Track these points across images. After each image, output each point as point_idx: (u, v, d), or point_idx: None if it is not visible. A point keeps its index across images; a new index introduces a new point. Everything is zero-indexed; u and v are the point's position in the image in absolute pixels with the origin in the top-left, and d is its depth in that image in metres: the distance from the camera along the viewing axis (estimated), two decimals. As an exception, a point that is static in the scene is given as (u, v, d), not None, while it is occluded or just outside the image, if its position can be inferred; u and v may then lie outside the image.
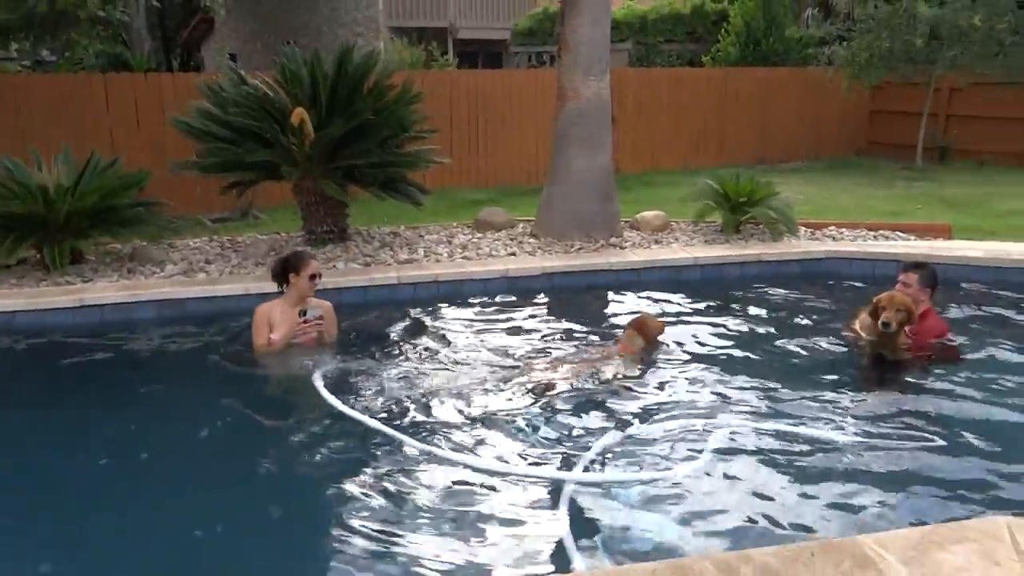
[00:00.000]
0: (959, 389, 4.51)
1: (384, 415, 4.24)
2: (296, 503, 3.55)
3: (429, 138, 8.27)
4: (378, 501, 3.43)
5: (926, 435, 3.98)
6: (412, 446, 3.87)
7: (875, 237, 7.90)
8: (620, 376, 4.75)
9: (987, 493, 3.47)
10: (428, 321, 5.99)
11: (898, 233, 8.03)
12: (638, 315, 5.29)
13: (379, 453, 3.87)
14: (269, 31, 24.90)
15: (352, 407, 4.28)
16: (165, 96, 10.43)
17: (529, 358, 5.12)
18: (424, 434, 4.03)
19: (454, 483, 3.58)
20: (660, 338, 5.25)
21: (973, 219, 8.94)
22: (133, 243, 7.60)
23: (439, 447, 3.87)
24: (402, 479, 3.61)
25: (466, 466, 3.70)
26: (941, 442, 3.92)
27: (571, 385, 4.64)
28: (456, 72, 15.79)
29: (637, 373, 4.84)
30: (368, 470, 3.72)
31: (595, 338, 5.58)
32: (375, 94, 7.48)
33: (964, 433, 4.01)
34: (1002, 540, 2.70)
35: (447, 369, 4.97)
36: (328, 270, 6.72)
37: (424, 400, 4.47)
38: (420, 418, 4.24)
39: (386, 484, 3.56)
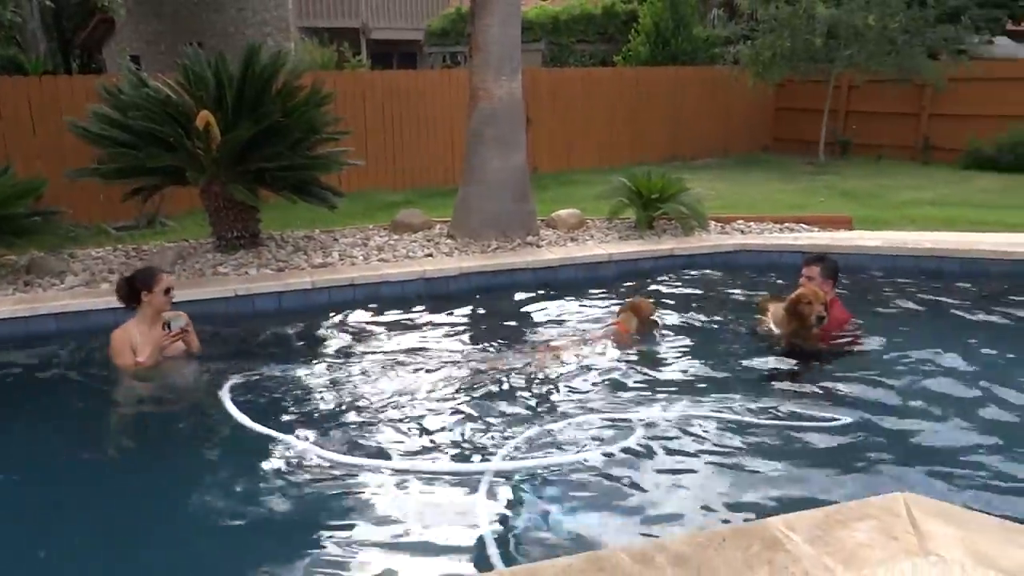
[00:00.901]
0: (863, 374, 4.71)
1: (298, 426, 4.14)
2: (205, 521, 3.41)
3: (342, 140, 8.15)
4: (287, 512, 3.35)
5: (834, 418, 4.13)
6: (324, 456, 3.79)
7: (781, 230, 8.19)
8: (607, 353, 5.11)
9: (888, 471, 3.63)
10: (344, 326, 5.90)
11: (802, 225, 8.34)
12: (633, 298, 5.60)
13: (291, 465, 3.76)
14: (174, 32, 24.11)
15: (263, 421, 4.12)
16: (62, 100, 9.95)
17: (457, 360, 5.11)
18: (338, 441, 3.96)
19: (369, 487, 3.53)
20: (655, 319, 5.55)
21: (871, 210, 9.35)
22: (30, 254, 7.24)
23: (351, 453, 3.81)
24: (313, 488, 3.54)
25: (381, 470, 3.66)
26: (847, 424, 4.08)
27: (567, 360, 4.98)
28: (369, 73, 15.62)
29: (626, 353, 5.06)
30: (278, 483, 3.61)
31: (533, 332, 5.66)
32: (284, 95, 7.32)
33: (868, 415, 4.19)
34: (900, 516, 2.82)
35: (364, 374, 4.90)
36: (240, 276, 6.56)
37: (340, 407, 4.40)
38: (335, 426, 4.17)
39: (296, 494, 3.48)
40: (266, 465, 3.75)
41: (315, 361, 5.12)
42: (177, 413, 4.58)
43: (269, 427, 4.03)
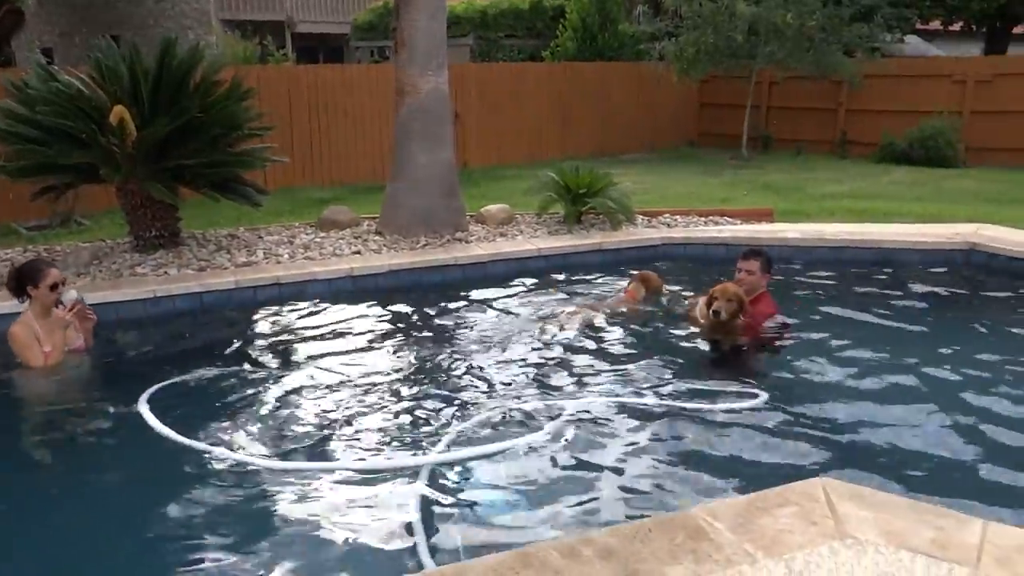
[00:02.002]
0: (783, 363, 4.85)
1: (222, 432, 4.02)
2: (132, 535, 3.28)
3: (265, 136, 7.97)
4: (211, 522, 3.25)
5: (758, 408, 4.24)
6: (248, 461, 3.69)
7: (705, 223, 8.36)
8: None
9: (809, 457, 3.73)
10: (270, 326, 5.77)
11: (726, 218, 8.53)
12: (643, 271, 6.11)
13: (214, 475, 3.63)
14: (88, 24, 23.19)
15: (186, 429, 3.96)
16: (-36, 94, 9.46)
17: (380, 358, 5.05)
18: (265, 445, 3.87)
19: (298, 490, 3.46)
20: (664, 289, 6.02)
21: (792, 203, 9.62)
22: (-69, 256, 6.88)
23: (280, 457, 3.73)
24: (238, 495, 3.44)
25: (310, 471, 3.60)
26: (771, 412, 4.19)
27: (584, 321, 5.51)
28: (294, 67, 15.32)
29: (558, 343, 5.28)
30: (200, 493, 3.47)
31: (462, 328, 5.67)
32: (203, 90, 7.12)
33: (792, 403, 4.30)
34: (819, 501, 2.90)
35: (291, 374, 4.80)
36: (159, 277, 6.35)
37: (267, 410, 4.30)
38: (262, 429, 4.07)
39: (220, 503, 3.38)
40: (188, 476, 3.62)
41: (240, 363, 4.99)
42: (91, 424, 4.33)
43: (192, 436, 3.88)
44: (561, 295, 6.37)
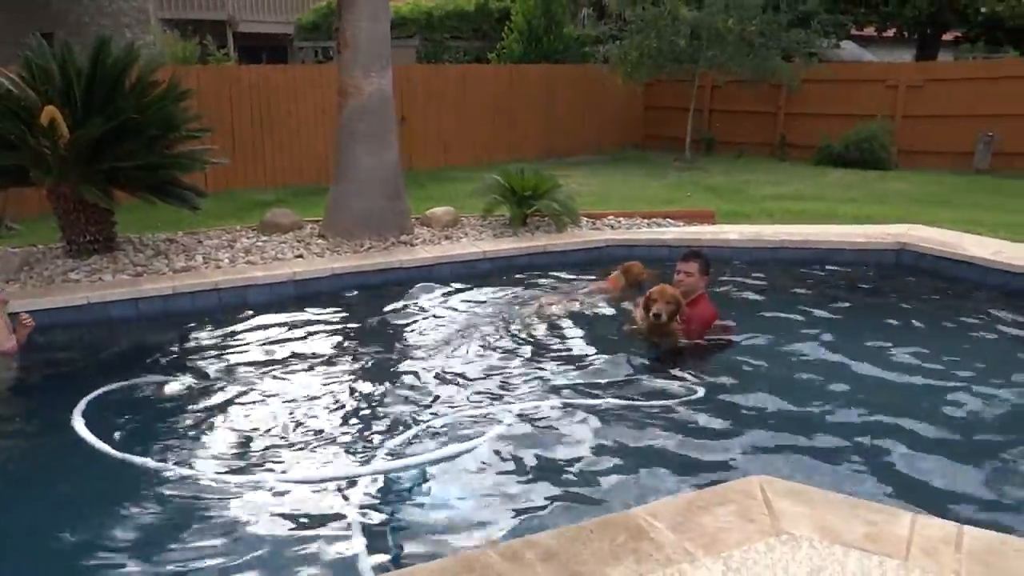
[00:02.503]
0: (727, 363, 4.92)
1: (160, 444, 3.92)
2: (63, 553, 3.17)
3: (204, 137, 7.81)
4: (149, 538, 3.17)
5: (697, 405, 4.31)
6: (187, 474, 3.62)
7: (649, 224, 8.46)
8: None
9: (747, 454, 3.80)
10: (208, 333, 5.66)
11: (669, 220, 8.64)
12: (628, 262, 6.31)
13: (150, 490, 3.51)
14: (20, 22, 22.41)
15: (123, 442, 3.87)
16: None
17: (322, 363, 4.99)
18: (201, 458, 3.80)
19: (238, 501, 3.39)
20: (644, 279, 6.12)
21: (734, 205, 9.80)
22: None
23: (219, 468, 3.66)
24: (174, 509, 3.36)
25: (251, 483, 3.53)
26: (710, 410, 4.27)
27: (564, 309, 5.79)
28: (236, 67, 15.05)
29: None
30: (136, 509, 3.37)
31: (407, 331, 5.66)
32: (139, 91, 6.95)
33: (731, 402, 4.39)
34: (756, 498, 2.96)
35: (231, 382, 4.71)
36: (93, 283, 6.17)
37: (206, 420, 4.21)
38: (201, 441, 3.99)
39: (160, 519, 3.30)
40: (123, 490, 3.51)
41: (178, 373, 4.87)
42: (18, 437, 4.20)
43: (127, 449, 3.78)
44: (509, 298, 6.38)
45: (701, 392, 4.42)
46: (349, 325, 5.90)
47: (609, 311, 5.94)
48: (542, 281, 6.85)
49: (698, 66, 14.12)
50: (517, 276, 7.00)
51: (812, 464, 3.72)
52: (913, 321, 5.97)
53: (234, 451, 3.86)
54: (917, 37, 19.82)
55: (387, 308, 6.20)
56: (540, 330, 5.59)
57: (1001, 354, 5.22)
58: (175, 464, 3.67)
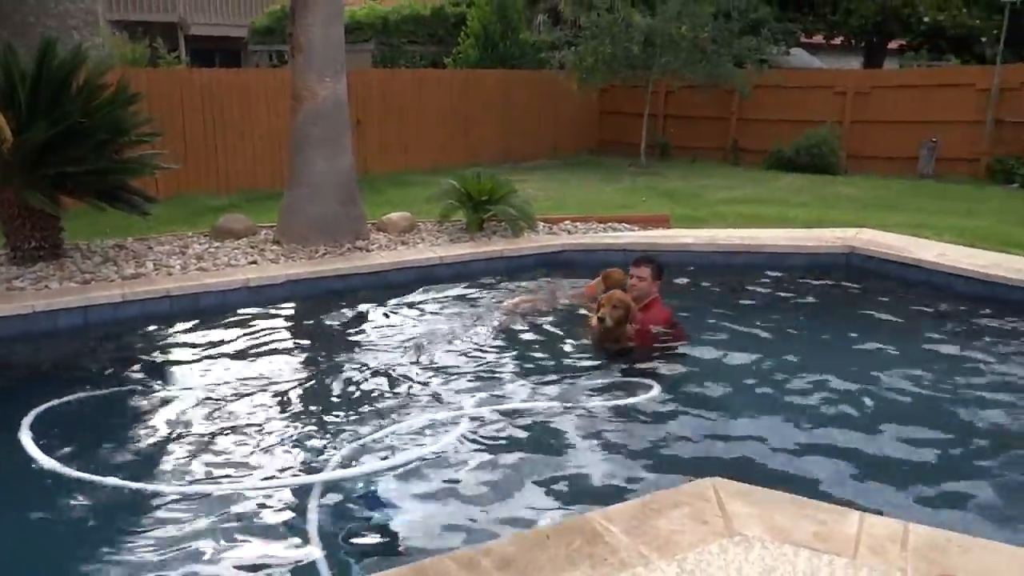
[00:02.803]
0: (681, 367, 4.98)
1: (111, 458, 3.83)
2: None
3: (154, 142, 7.68)
4: (108, 555, 3.09)
5: (651, 410, 4.35)
6: (140, 488, 3.52)
7: (605, 229, 8.53)
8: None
9: (701, 456, 3.86)
10: (160, 341, 5.55)
11: (625, 224, 8.72)
12: (610, 269, 6.12)
13: (106, 506, 3.42)
14: (-39, 22, 21.77)
15: (72, 457, 3.74)
16: None
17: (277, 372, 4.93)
18: (155, 470, 3.72)
19: (194, 514, 3.32)
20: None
21: (688, 209, 9.92)
22: None
23: (174, 481, 3.59)
24: (131, 525, 3.28)
25: (205, 494, 3.47)
26: (664, 413, 4.31)
27: (535, 309, 5.91)
28: (188, 71, 14.79)
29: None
30: (88, 526, 3.30)
31: (363, 338, 5.60)
32: (86, 94, 6.80)
33: (684, 405, 4.44)
34: (709, 500, 3.01)
35: (184, 392, 4.63)
36: (38, 291, 6.01)
37: (158, 431, 4.13)
38: (154, 453, 3.90)
39: (113, 534, 3.22)
40: (74, 508, 3.41)
41: (128, 383, 4.76)
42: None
43: (76, 463, 3.67)
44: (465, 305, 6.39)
45: (655, 393, 4.47)
46: (304, 332, 5.84)
47: (583, 316, 5.96)
48: (505, 285, 6.85)
49: (652, 72, 14.28)
50: (476, 281, 6.99)
51: (764, 465, 3.79)
52: (862, 323, 6.11)
53: (188, 462, 3.78)
54: (864, 45, 20.32)
55: (343, 314, 6.15)
56: (503, 332, 5.61)
57: (945, 353, 5.36)
58: (127, 478, 3.58)
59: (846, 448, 3.96)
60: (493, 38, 16.58)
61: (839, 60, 22.78)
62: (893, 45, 20.80)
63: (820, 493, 3.32)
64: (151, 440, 4.04)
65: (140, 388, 4.68)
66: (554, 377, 4.80)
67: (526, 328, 5.73)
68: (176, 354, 5.30)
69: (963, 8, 16.72)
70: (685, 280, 6.99)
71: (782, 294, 6.88)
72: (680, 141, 16.29)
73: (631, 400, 4.42)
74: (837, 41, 20.64)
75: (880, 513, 3.02)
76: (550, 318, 5.94)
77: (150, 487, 3.52)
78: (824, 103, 14.87)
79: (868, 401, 4.52)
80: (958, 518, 3.33)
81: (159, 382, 4.78)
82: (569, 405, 4.37)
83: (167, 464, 3.78)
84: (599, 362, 5.06)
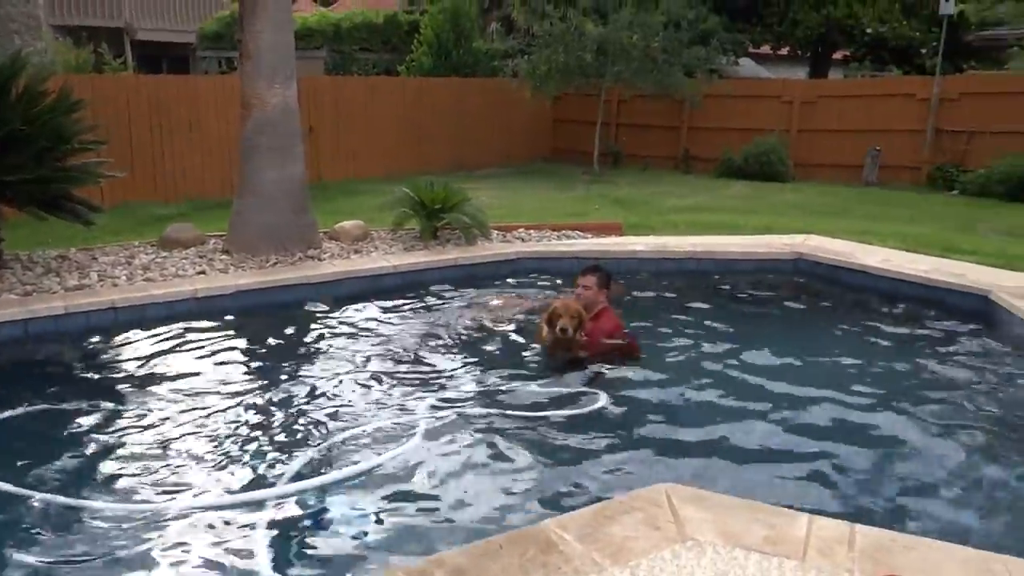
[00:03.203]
0: (632, 373, 5.01)
1: (53, 475, 3.71)
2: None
3: (99, 150, 7.50)
4: None
5: (603, 418, 4.38)
6: (87, 507, 3.43)
7: (559, 236, 8.56)
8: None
9: (654, 462, 3.88)
10: (104, 355, 5.41)
11: (578, 232, 8.77)
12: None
13: (50, 525, 3.32)
14: None
15: (9, 475, 3.62)
16: None
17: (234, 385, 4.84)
18: (100, 488, 3.62)
19: (137, 532, 3.24)
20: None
21: (640, 217, 10.01)
22: None
23: (117, 499, 3.49)
24: (74, 544, 3.18)
25: (151, 512, 3.39)
26: (616, 423, 4.34)
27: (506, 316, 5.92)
28: (134, 77, 14.52)
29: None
30: (34, 547, 3.17)
31: (317, 349, 5.47)
32: (26, 101, 6.62)
33: (636, 412, 4.48)
34: (662, 506, 3.03)
35: (129, 407, 4.51)
36: (-24, 304, 5.82)
37: (103, 448, 4.01)
38: (99, 470, 3.79)
39: (56, 554, 3.12)
40: (16, 528, 3.29)
41: (71, 397, 4.61)
42: None
43: (18, 480, 3.57)
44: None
45: (602, 403, 4.49)
46: (254, 343, 5.74)
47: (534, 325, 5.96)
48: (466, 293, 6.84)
49: (604, 80, 14.41)
50: (430, 289, 6.96)
51: (716, 470, 3.83)
52: (810, 328, 6.25)
53: (133, 478, 3.69)
54: (809, 56, 20.78)
55: (294, 325, 6.06)
56: (457, 341, 5.61)
57: (889, 356, 5.49)
58: (71, 495, 3.49)
59: (796, 451, 4.04)
60: (446, 46, 16.57)
61: (786, 70, 23.26)
62: (838, 56, 21.30)
63: (771, 497, 3.36)
64: (94, 455, 3.92)
65: (85, 402, 4.53)
66: (506, 386, 4.79)
67: (480, 336, 5.73)
68: (121, 367, 5.16)
69: (903, 20, 17.22)
70: (638, 288, 7.05)
71: (732, 301, 6.99)
72: (632, 149, 16.46)
73: (580, 410, 4.44)
74: (784, 52, 21.06)
75: (828, 515, 3.07)
76: (506, 327, 5.95)
77: (91, 504, 3.43)
78: (772, 112, 15.17)
79: (816, 404, 4.60)
80: (903, 518, 3.42)
81: (104, 396, 4.64)
82: (521, 414, 4.37)
83: (110, 479, 3.68)
84: (551, 371, 5.06)
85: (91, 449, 4.00)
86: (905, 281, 6.87)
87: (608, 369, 5.03)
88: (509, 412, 4.40)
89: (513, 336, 5.75)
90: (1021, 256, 7.60)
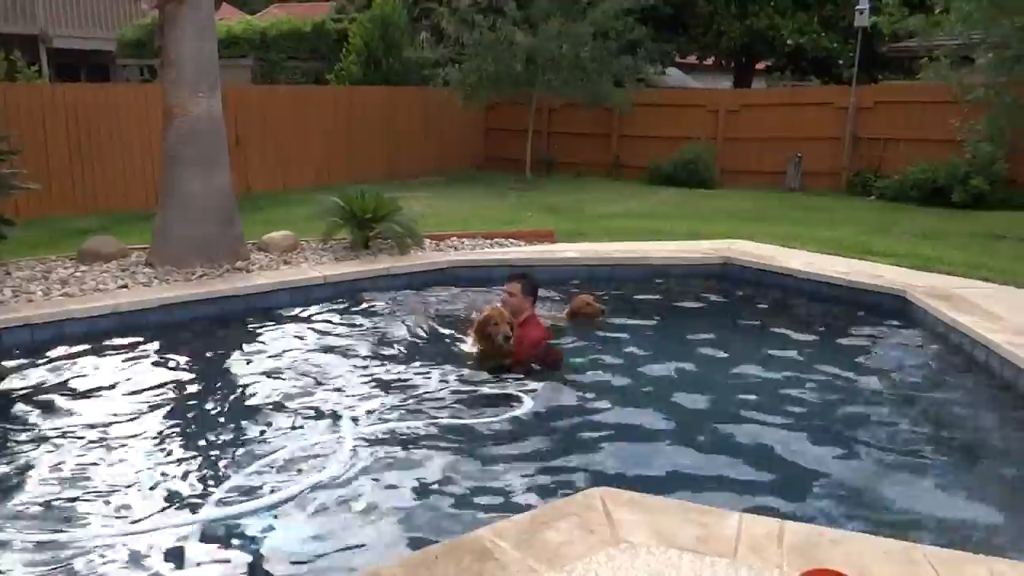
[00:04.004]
0: (560, 382, 5.02)
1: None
2: None
3: (11, 160, 7.19)
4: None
5: (535, 424, 4.39)
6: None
7: (491, 244, 8.58)
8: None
9: (587, 470, 3.89)
10: (19, 375, 5.15)
11: (511, 240, 8.81)
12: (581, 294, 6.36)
13: None
14: None
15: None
16: None
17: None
18: (16, 517, 3.45)
19: (63, 562, 3.09)
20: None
21: (573, 223, 10.11)
22: None
23: (34, 528, 3.34)
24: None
25: (75, 540, 3.23)
26: (548, 428, 4.36)
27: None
28: (50, 86, 13.98)
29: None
30: None
31: (246, 363, 5.34)
32: (-69, 110, 6.32)
33: (567, 416, 4.51)
34: (596, 510, 3.05)
35: (42, 430, 4.32)
36: None
37: (19, 473, 3.83)
38: (17, 498, 3.60)
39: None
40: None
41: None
42: None
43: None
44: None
45: (528, 406, 4.53)
46: (180, 358, 5.56)
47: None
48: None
49: (535, 89, 14.53)
50: (360, 299, 6.88)
51: (648, 472, 3.88)
52: (737, 329, 6.39)
53: (51, 505, 3.52)
54: (733, 66, 21.35)
55: (222, 338, 5.92)
56: (387, 351, 5.55)
57: (813, 355, 5.66)
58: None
59: (726, 451, 4.11)
60: (376, 55, 16.45)
61: (712, 80, 23.89)
62: (760, 66, 21.95)
63: (702, 497, 3.42)
64: (7, 481, 3.74)
65: (-4, 425, 4.34)
66: (435, 396, 4.77)
67: (409, 346, 5.68)
68: (39, 388, 4.92)
69: (821, 32, 17.85)
70: (570, 293, 7.09)
71: (661, 304, 7.11)
72: (564, 157, 16.64)
73: (508, 415, 4.44)
74: (709, 62, 21.60)
75: (758, 513, 3.14)
76: (423, 334, 5.93)
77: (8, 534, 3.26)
78: (698, 121, 15.53)
79: (743, 405, 4.71)
80: (830, 513, 3.51)
81: (18, 418, 4.44)
82: (450, 423, 4.36)
83: (27, 507, 3.51)
84: (478, 379, 5.03)
85: (2, 473, 3.81)
86: (827, 283, 7.10)
87: (532, 376, 5.02)
88: (439, 422, 4.38)
89: (441, 344, 5.71)
90: (934, 257, 7.94)
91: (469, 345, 5.33)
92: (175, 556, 3.14)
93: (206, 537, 3.26)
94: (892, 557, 2.77)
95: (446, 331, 6.01)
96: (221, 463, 3.95)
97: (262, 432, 4.29)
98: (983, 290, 6.77)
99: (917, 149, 13.23)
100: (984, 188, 12.07)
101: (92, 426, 4.34)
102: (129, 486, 3.71)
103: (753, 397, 4.82)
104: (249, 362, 5.48)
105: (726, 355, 5.58)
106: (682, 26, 18.73)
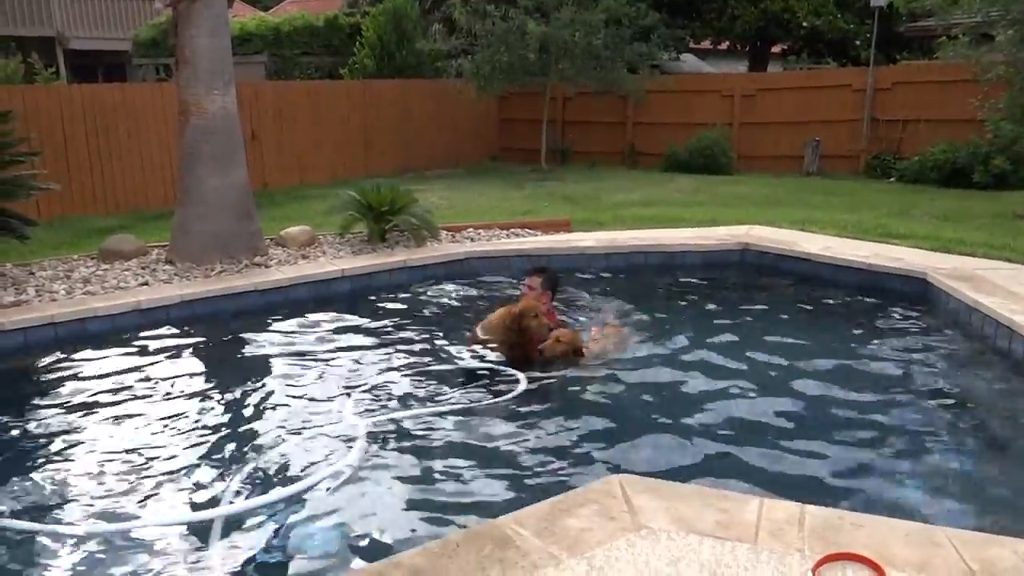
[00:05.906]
0: (582, 371, 5.03)
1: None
2: None
3: (31, 161, 7.28)
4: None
5: (554, 414, 4.40)
6: (30, 530, 3.31)
7: (508, 235, 8.58)
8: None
9: (608, 457, 3.91)
10: (45, 372, 5.24)
11: (527, 230, 8.80)
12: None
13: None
14: None
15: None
16: None
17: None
18: (44, 509, 3.50)
19: (85, 555, 3.15)
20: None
21: (589, 212, 10.09)
22: None
23: (63, 521, 3.39)
24: (19, 568, 3.08)
25: (98, 533, 3.29)
26: (567, 417, 4.36)
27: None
28: (68, 87, 14.11)
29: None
30: None
31: (268, 357, 5.33)
32: (-49, 113, 6.41)
33: (585, 406, 4.51)
34: (616, 497, 3.05)
35: (73, 425, 4.39)
36: (-94, 325, 5.60)
37: (48, 467, 3.90)
38: (44, 490, 3.67)
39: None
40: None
41: (10, 416, 4.48)
42: None
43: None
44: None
45: (522, 387, 4.57)
46: (202, 354, 5.63)
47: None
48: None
49: (549, 78, 14.48)
50: (378, 293, 6.91)
51: (669, 458, 3.87)
52: (756, 315, 6.35)
53: (78, 499, 3.58)
54: (748, 50, 21.16)
55: (242, 333, 5.97)
56: (407, 344, 5.57)
57: (834, 340, 5.63)
58: (13, 517, 3.38)
59: (746, 436, 4.10)
60: (389, 48, 16.46)
61: (727, 65, 23.66)
62: (776, 49, 21.73)
63: (722, 482, 3.42)
64: (37, 475, 3.80)
65: (24, 422, 4.41)
66: (450, 386, 4.79)
67: (420, 340, 5.69)
68: (64, 385, 5.00)
69: (837, 13, 17.64)
70: (587, 282, 7.10)
71: (681, 292, 7.08)
72: (579, 146, 16.58)
73: (525, 407, 4.44)
74: (724, 46, 21.42)
75: (779, 497, 3.13)
76: (439, 327, 5.94)
77: (38, 527, 3.32)
78: (714, 106, 15.41)
79: (764, 390, 4.70)
80: (852, 496, 3.50)
81: (45, 415, 4.51)
82: (466, 413, 4.38)
83: (55, 500, 3.57)
84: (493, 370, 5.03)
85: (32, 468, 3.88)
86: (847, 267, 7.04)
87: (554, 367, 5.02)
88: (455, 412, 4.40)
89: (457, 335, 5.73)
90: (954, 239, 7.85)
91: (481, 335, 5.32)
92: (195, 550, 3.18)
93: (226, 531, 3.29)
94: (914, 539, 2.76)
95: (461, 323, 6.02)
96: (239, 456, 3.98)
97: (279, 425, 4.32)
98: (1006, 271, 6.69)
99: (937, 130, 13.05)
100: (1006, 168, 11.89)
101: (114, 421, 4.41)
102: (151, 480, 3.75)
103: (772, 383, 4.80)
104: (267, 356, 5.53)
105: (744, 341, 5.56)
106: (696, 11, 18.56)
